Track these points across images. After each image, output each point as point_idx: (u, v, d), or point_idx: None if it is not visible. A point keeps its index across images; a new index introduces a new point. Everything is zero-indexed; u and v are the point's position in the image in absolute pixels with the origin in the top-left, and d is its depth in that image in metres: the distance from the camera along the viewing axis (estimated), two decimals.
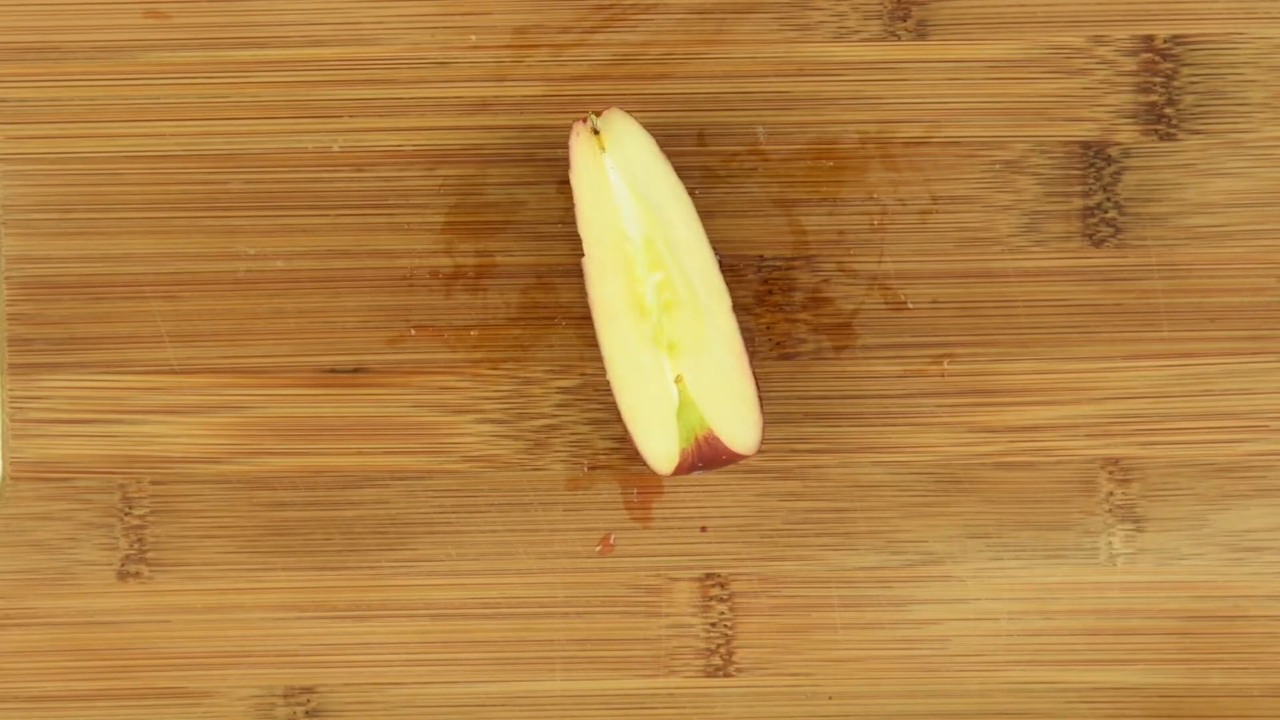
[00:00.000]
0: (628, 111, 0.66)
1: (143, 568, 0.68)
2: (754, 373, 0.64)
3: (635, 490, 0.68)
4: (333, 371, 0.68)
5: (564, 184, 0.68)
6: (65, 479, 0.68)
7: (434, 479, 0.68)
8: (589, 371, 0.68)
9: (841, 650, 0.68)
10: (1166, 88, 0.68)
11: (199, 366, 0.68)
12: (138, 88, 0.68)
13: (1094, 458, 0.68)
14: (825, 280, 0.68)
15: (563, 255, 0.68)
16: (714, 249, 0.65)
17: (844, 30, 0.68)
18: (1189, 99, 0.68)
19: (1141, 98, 0.68)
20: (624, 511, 0.68)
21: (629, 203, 0.64)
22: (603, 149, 0.63)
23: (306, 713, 0.68)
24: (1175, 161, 0.68)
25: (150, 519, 0.68)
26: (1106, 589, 0.68)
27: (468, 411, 0.68)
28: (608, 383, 0.65)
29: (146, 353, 0.68)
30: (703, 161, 0.68)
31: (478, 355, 0.68)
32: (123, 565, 0.68)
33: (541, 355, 0.68)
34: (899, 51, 0.68)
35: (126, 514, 0.68)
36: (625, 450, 0.68)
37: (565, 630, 0.68)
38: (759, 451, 0.66)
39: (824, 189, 0.68)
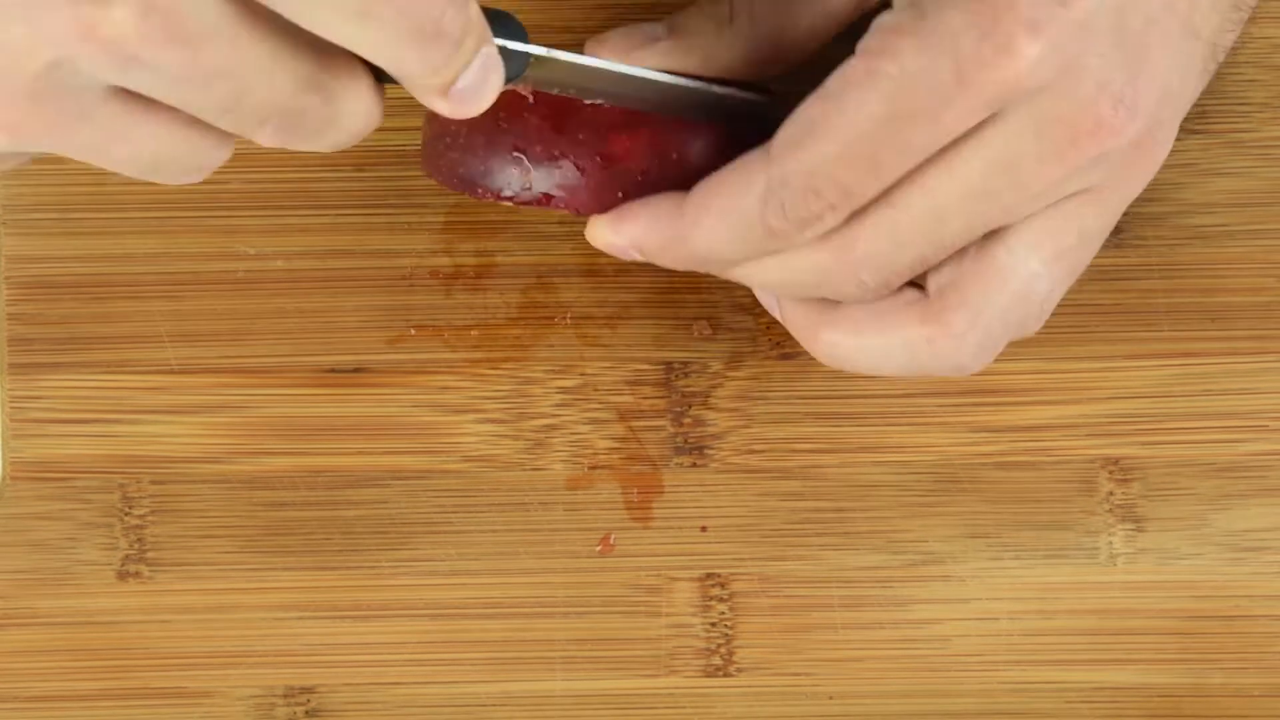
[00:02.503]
0: None
1: (143, 568, 0.68)
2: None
3: (635, 490, 0.68)
4: (333, 371, 0.68)
5: None
6: (65, 479, 0.68)
7: (434, 479, 0.68)
8: (589, 371, 0.68)
9: (841, 650, 0.68)
10: None
11: (199, 366, 0.68)
12: None
13: (1094, 458, 0.68)
14: None
15: (563, 255, 0.68)
16: None
17: None
18: None
19: None
20: (624, 511, 0.68)
21: None
22: None
23: (306, 713, 0.68)
24: (1175, 161, 0.68)
25: (150, 519, 0.68)
26: (1107, 589, 0.68)
27: (468, 411, 0.68)
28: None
29: (146, 353, 0.68)
30: None
31: (478, 355, 0.68)
32: (123, 565, 0.68)
33: (541, 355, 0.68)
34: None
35: (126, 514, 0.68)
36: (625, 450, 0.68)
37: (565, 630, 0.68)
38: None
39: None
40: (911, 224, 0.52)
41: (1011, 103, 0.50)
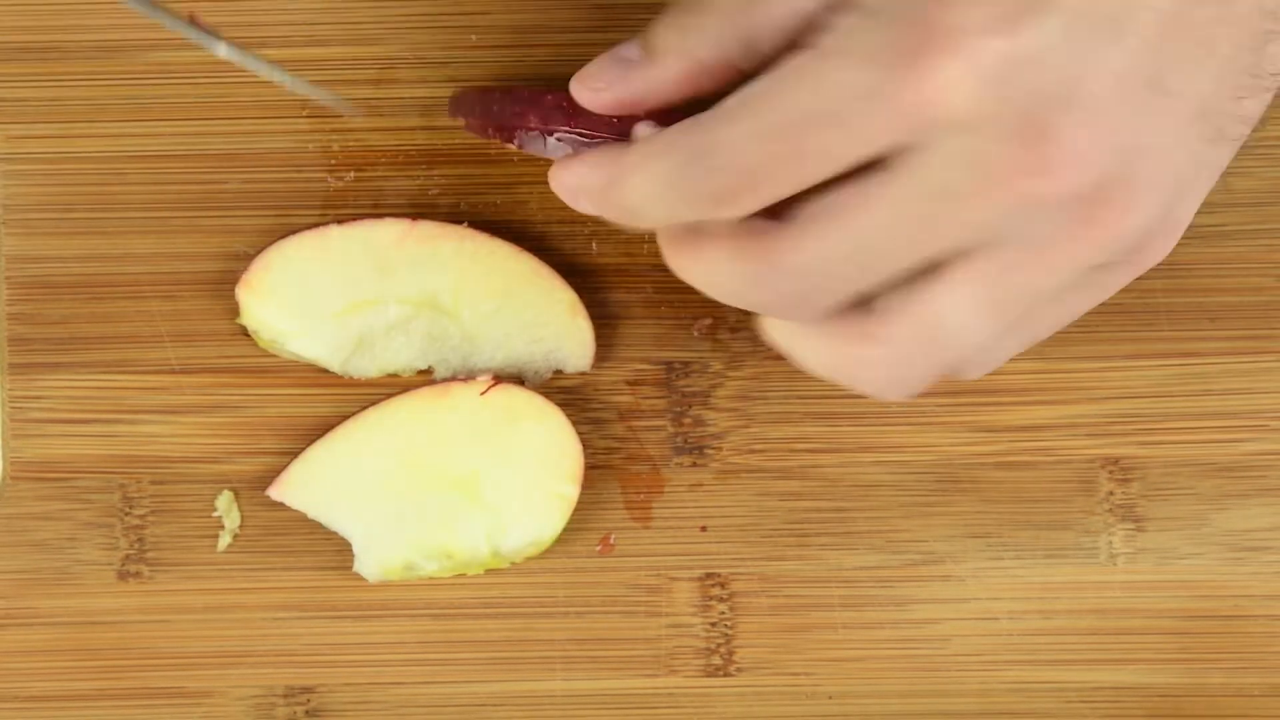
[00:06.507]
0: None
1: (143, 568, 0.68)
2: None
3: (635, 490, 0.68)
4: (332, 371, 0.68)
5: None
6: (65, 479, 0.68)
7: None
8: (589, 371, 0.68)
9: (841, 650, 0.68)
10: None
11: (199, 366, 0.68)
12: (138, 88, 0.68)
13: (1094, 457, 0.68)
14: None
15: (563, 255, 0.68)
16: None
17: None
18: None
19: None
20: (624, 511, 0.68)
21: None
22: None
23: (306, 713, 0.68)
24: None
25: (150, 519, 0.68)
26: (1106, 589, 0.68)
27: None
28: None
29: (146, 353, 0.68)
30: None
31: None
32: (123, 565, 0.68)
33: None
34: None
35: (126, 514, 0.68)
36: (625, 450, 0.68)
37: (565, 630, 0.68)
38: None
39: None
40: (839, 238, 0.51)
41: (940, 129, 0.48)
